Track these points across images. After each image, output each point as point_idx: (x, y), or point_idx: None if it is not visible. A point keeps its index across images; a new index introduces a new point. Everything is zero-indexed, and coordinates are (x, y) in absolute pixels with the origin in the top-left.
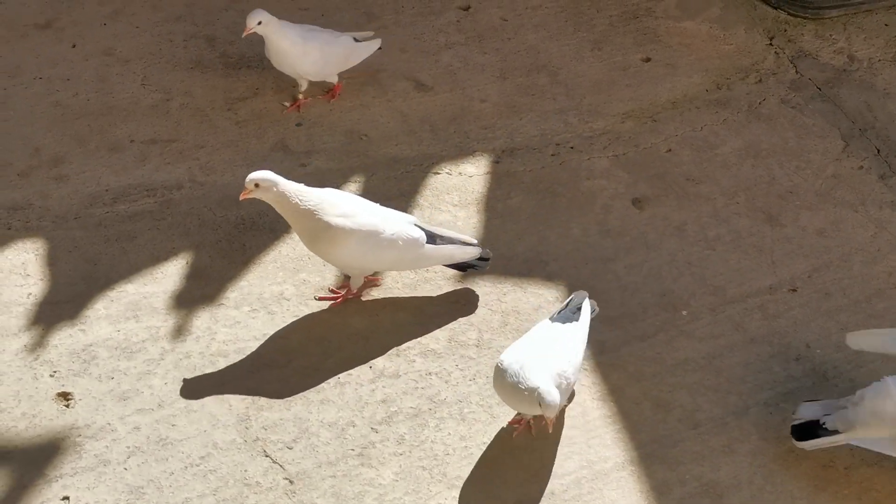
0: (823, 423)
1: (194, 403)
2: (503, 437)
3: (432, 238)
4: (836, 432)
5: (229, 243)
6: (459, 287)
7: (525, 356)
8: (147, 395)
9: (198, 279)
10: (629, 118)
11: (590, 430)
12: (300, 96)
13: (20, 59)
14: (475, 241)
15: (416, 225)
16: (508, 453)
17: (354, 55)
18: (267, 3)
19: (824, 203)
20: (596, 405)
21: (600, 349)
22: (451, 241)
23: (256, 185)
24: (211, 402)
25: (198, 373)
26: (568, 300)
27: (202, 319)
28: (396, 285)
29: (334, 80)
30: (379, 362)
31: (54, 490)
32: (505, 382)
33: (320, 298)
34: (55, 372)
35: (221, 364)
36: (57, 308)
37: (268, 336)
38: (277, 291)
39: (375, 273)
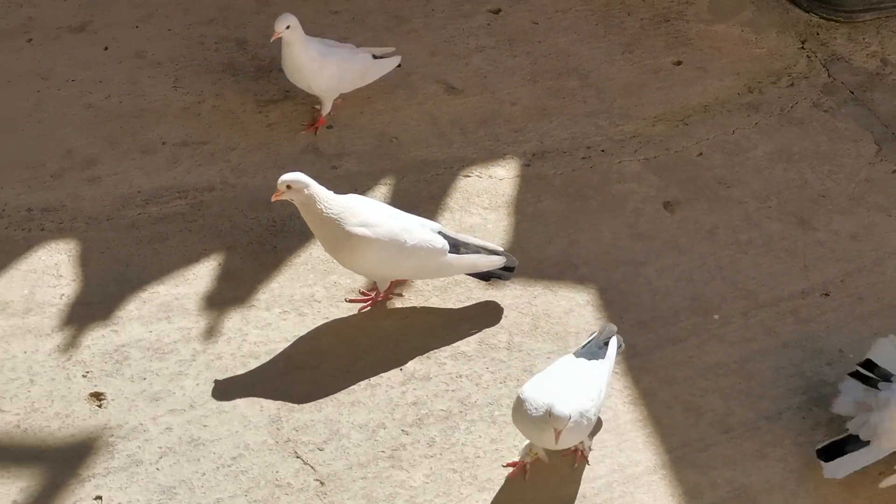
0: (847, 429)
1: (226, 404)
2: None
3: (456, 247)
4: (860, 442)
5: (260, 245)
6: (490, 290)
7: (547, 391)
8: (179, 395)
9: (229, 281)
10: (660, 121)
11: (621, 434)
12: (322, 112)
13: (53, 61)
14: (501, 249)
15: (440, 233)
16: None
17: (372, 72)
18: (298, 6)
19: (857, 207)
20: (627, 409)
21: (632, 353)
22: (475, 249)
23: (288, 187)
24: (242, 404)
25: (229, 374)
26: (595, 333)
27: (233, 321)
28: (427, 288)
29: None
30: (409, 365)
31: (87, 489)
32: (525, 414)
33: (351, 301)
34: (88, 372)
35: (253, 365)
36: (89, 309)
37: (298, 338)
38: (308, 293)
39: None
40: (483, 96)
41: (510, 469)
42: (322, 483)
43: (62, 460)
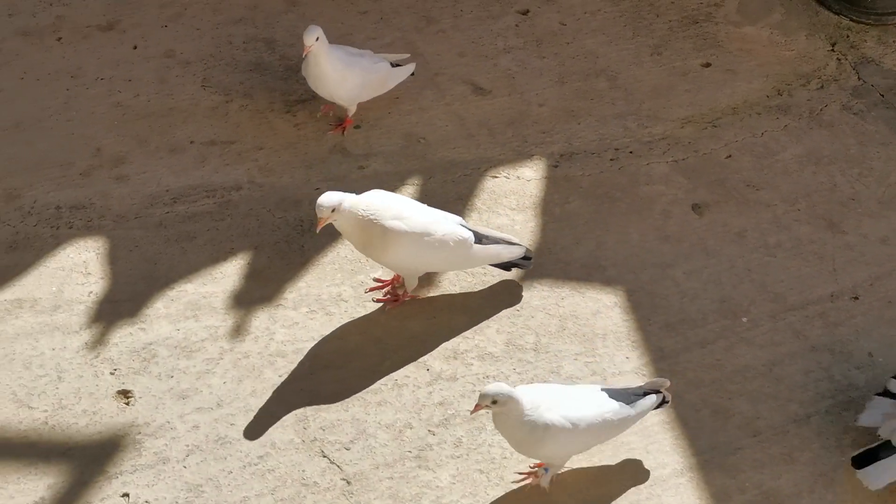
0: (880, 435)
1: (253, 403)
2: None
3: (479, 238)
4: (893, 447)
5: (288, 244)
6: (517, 291)
7: (541, 397)
8: (206, 393)
9: (256, 280)
10: (688, 123)
11: (648, 436)
12: (349, 113)
13: (82, 59)
14: (517, 241)
15: (462, 225)
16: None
17: (390, 80)
18: (326, 7)
19: (887, 210)
20: (654, 411)
21: (659, 355)
22: (496, 240)
23: (333, 210)
24: (269, 403)
25: (256, 373)
26: (643, 385)
27: (261, 320)
28: (454, 288)
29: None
30: (436, 365)
31: (114, 487)
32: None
33: (377, 300)
34: (115, 370)
35: (280, 364)
36: (117, 306)
37: (325, 337)
38: (335, 293)
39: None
40: (511, 97)
41: (520, 479)
42: (348, 482)
43: (89, 457)
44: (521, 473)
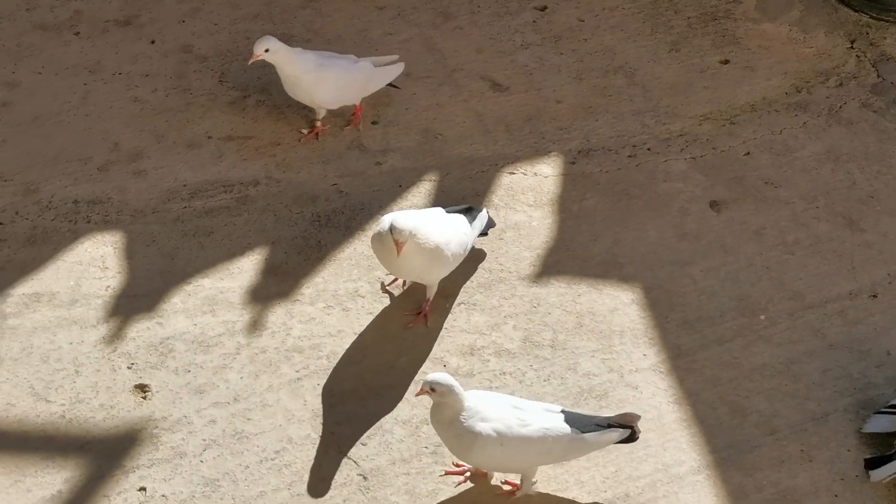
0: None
1: (269, 398)
2: None
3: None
4: None
5: (305, 240)
6: (534, 288)
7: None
8: (223, 388)
9: (273, 275)
10: (707, 120)
11: (665, 434)
12: (318, 124)
13: (101, 54)
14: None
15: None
16: (584, 456)
17: (374, 82)
18: (344, 3)
19: None
20: (672, 408)
21: (677, 353)
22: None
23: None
24: (286, 398)
25: (273, 368)
26: (612, 417)
27: (277, 315)
28: (471, 284)
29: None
30: (453, 361)
31: (131, 481)
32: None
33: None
34: (133, 364)
35: (296, 359)
36: (134, 301)
37: (342, 333)
38: (352, 288)
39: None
40: (528, 94)
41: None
42: (365, 478)
43: (106, 451)
44: (450, 473)
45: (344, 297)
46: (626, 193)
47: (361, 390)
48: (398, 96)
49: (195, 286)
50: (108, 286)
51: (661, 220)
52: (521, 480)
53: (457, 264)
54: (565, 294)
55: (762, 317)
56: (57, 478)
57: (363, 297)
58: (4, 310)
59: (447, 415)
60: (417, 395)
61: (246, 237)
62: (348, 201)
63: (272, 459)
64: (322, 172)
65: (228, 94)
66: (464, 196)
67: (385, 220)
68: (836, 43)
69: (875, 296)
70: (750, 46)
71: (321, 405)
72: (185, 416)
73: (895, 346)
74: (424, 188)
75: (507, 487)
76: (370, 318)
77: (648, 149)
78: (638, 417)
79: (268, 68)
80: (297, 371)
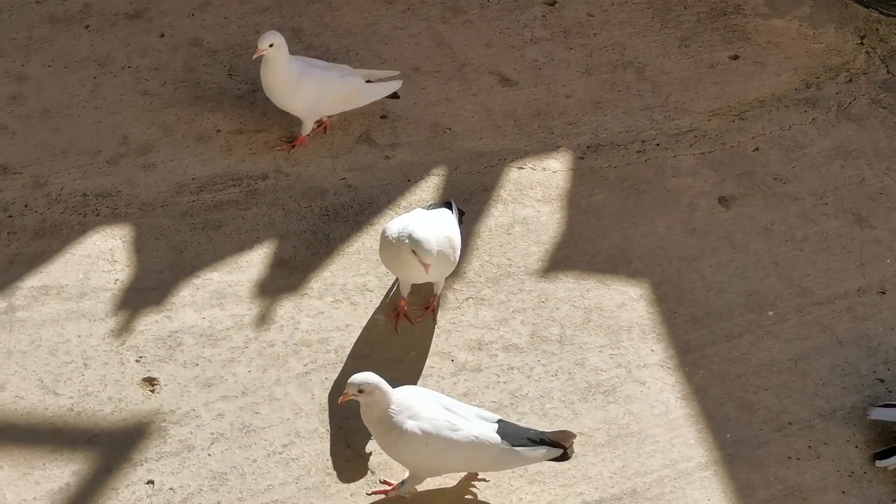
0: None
1: (277, 392)
2: (585, 433)
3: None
4: None
5: (313, 234)
6: (542, 283)
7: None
8: (231, 382)
9: (282, 269)
10: (716, 116)
11: (673, 430)
12: (302, 132)
13: (110, 47)
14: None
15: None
16: (591, 450)
17: (361, 97)
18: None
19: None
20: (680, 404)
21: (685, 348)
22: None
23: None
24: (294, 391)
25: (281, 361)
26: (549, 433)
27: (286, 309)
28: (479, 279)
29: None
30: (461, 356)
31: (139, 474)
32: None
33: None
34: (141, 357)
35: (304, 353)
36: (143, 294)
37: (351, 327)
38: (361, 283)
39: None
40: (537, 88)
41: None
42: (372, 472)
43: (115, 444)
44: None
45: (352, 291)
46: (634, 189)
47: None
48: (407, 91)
49: (204, 280)
50: (117, 279)
51: (670, 216)
52: (406, 479)
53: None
54: (573, 289)
55: (770, 313)
56: (65, 470)
57: (371, 291)
58: (13, 302)
59: (376, 412)
60: (341, 400)
61: (254, 231)
62: (357, 195)
63: (280, 453)
64: (331, 166)
65: (238, 87)
66: (472, 191)
67: (392, 229)
68: (846, 39)
69: (884, 292)
70: (759, 42)
71: (329, 399)
72: (193, 410)
73: None
74: (433, 182)
75: (383, 486)
76: (378, 312)
77: (657, 144)
78: (573, 436)
79: None
80: (305, 365)
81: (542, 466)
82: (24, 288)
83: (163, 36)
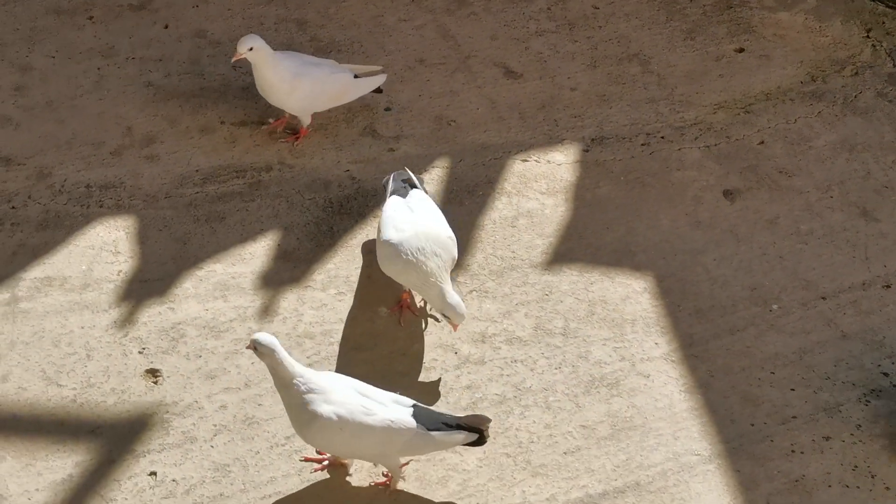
0: None
1: None
2: (588, 426)
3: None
4: None
5: (317, 226)
6: (546, 276)
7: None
8: (234, 374)
9: (285, 260)
10: (721, 109)
11: (676, 423)
12: (303, 124)
13: (114, 39)
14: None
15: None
16: (594, 443)
17: (350, 92)
18: None
19: None
20: (683, 397)
21: (689, 341)
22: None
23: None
24: None
25: None
26: (463, 417)
27: (289, 301)
28: (483, 272)
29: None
30: (464, 348)
31: (142, 465)
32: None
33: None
34: (144, 349)
35: (308, 345)
36: (146, 286)
37: (354, 319)
38: (364, 275)
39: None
40: (542, 81)
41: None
42: (375, 465)
43: (117, 436)
44: (308, 459)
45: (356, 283)
46: (639, 182)
47: (373, 377)
48: (411, 83)
49: (207, 271)
50: (120, 271)
51: (675, 209)
52: (390, 473)
53: None
54: (577, 282)
55: (775, 306)
56: (68, 462)
57: (375, 283)
58: (17, 294)
59: (279, 380)
60: (248, 347)
61: (258, 223)
62: (361, 187)
63: (283, 445)
64: (335, 158)
65: (242, 79)
66: (476, 183)
67: (395, 241)
68: (852, 32)
69: (889, 286)
70: (765, 35)
71: None
72: (196, 402)
73: None
74: (437, 175)
75: (380, 480)
76: (382, 305)
77: (662, 137)
78: (488, 421)
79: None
80: (308, 357)
81: (545, 459)
82: (27, 279)
83: (167, 27)
